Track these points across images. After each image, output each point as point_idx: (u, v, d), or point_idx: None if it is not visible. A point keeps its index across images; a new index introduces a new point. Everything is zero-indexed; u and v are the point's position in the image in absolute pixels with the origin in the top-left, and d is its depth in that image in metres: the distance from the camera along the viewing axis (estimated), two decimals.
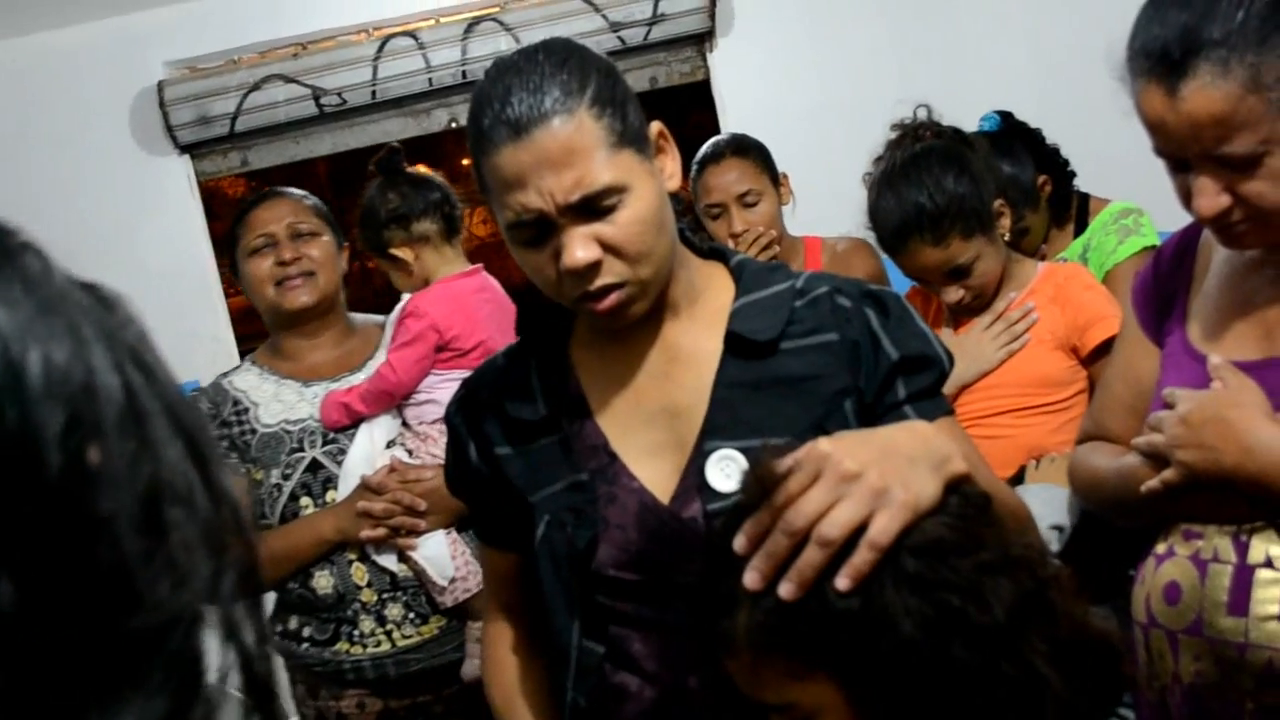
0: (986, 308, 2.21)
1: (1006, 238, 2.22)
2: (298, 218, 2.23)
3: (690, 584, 0.99)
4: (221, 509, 0.50)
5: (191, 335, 2.30)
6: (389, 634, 2.13)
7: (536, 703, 1.38)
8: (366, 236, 2.33)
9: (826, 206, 2.59)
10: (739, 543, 0.91)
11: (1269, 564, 1.25)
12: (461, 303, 2.25)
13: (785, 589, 0.87)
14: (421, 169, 2.38)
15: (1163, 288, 1.50)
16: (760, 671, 0.91)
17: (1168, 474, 1.29)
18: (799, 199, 2.84)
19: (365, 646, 2.12)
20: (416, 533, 2.12)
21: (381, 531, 2.09)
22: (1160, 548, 1.38)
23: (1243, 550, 1.27)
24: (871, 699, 0.87)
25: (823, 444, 0.91)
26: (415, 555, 2.13)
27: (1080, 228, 2.56)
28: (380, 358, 2.26)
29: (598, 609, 1.25)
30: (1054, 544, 1.84)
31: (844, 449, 0.91)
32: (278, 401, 2.19)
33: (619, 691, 1.24)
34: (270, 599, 2.31)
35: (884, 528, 0.87)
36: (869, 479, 0.88)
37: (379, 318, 2.40)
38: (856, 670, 0.86)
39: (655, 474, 1.23)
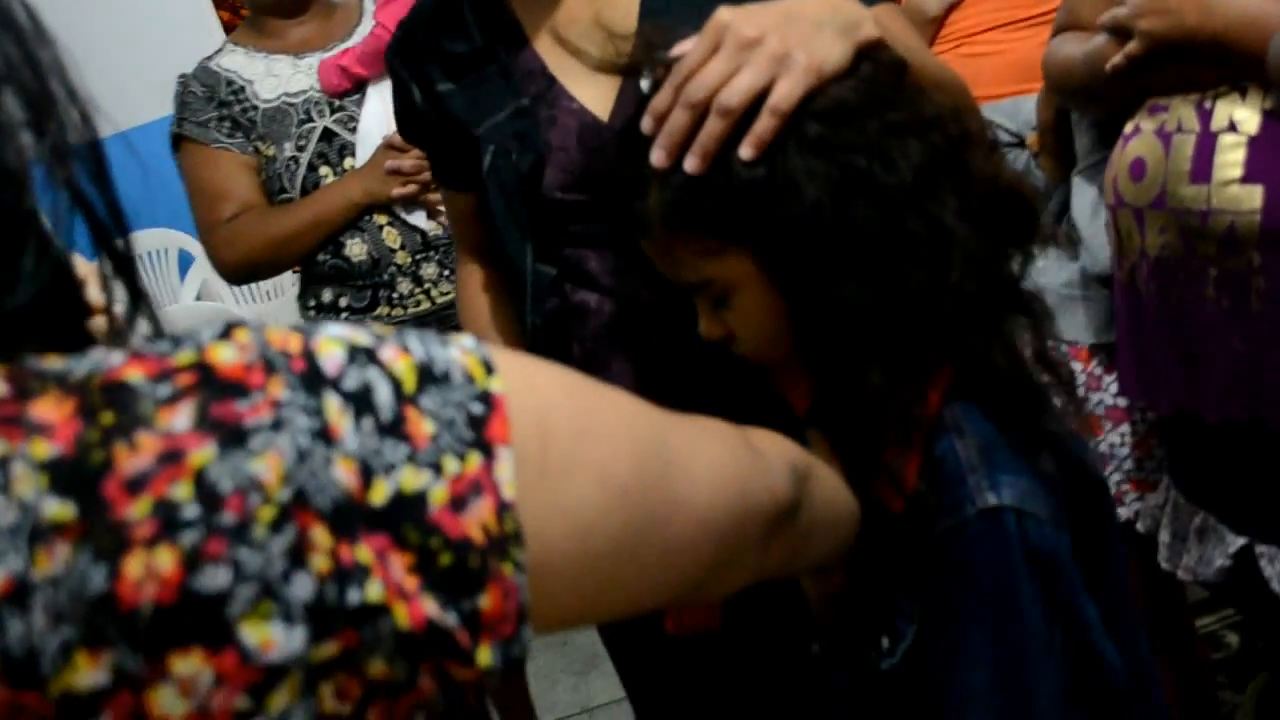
0: None
1: None
2: None
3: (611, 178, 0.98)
4: (48, 83, 0.50)
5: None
6: (427, 292, 2.16)
7: (507, 335, 1.41)
8: None
9: None
10: (645, 123, 0.90)
11: (1232, 128, 1.22)
12: None
13: (690, 163, 0.87)
14: None
15: None
16: (675, 250, 0.92)
17: (1131, 46, 1.25)
18: None
19: (406, 308, 2.15)
20: None
21: (413, 188, 2.08)
22: (1128, 128, 1.35)
23: (1206, 117, 1.24)
24: (784, 267, 0.87)
25: (722, 14, 0.88)
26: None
27: None
28: (368, 24, 2.21)
29: (550, 233, 1.26)
30: None
31: (744, 17, 0.87)
32: (271, 76, 2.15)
33: (580, 309, 1.27)
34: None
35: (785, 93, 0.84)
36: (769, 45, 0.85)
37: None
38: (766, 239, 0.86)
39: (594, 93, 1.20)
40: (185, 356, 0.44)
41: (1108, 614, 0.91)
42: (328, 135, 2.14)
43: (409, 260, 2.15)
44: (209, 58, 2.20)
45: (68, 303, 0.49)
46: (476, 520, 0.46)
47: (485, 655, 0.46)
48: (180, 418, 0.42)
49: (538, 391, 0.53)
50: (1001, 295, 0.87)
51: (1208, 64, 1.22)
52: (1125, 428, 1.62)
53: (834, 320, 0.86)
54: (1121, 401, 1.62)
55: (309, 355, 0.46)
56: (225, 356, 0.44)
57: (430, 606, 0.44)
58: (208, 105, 2.13)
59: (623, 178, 0.94)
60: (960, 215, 0.85)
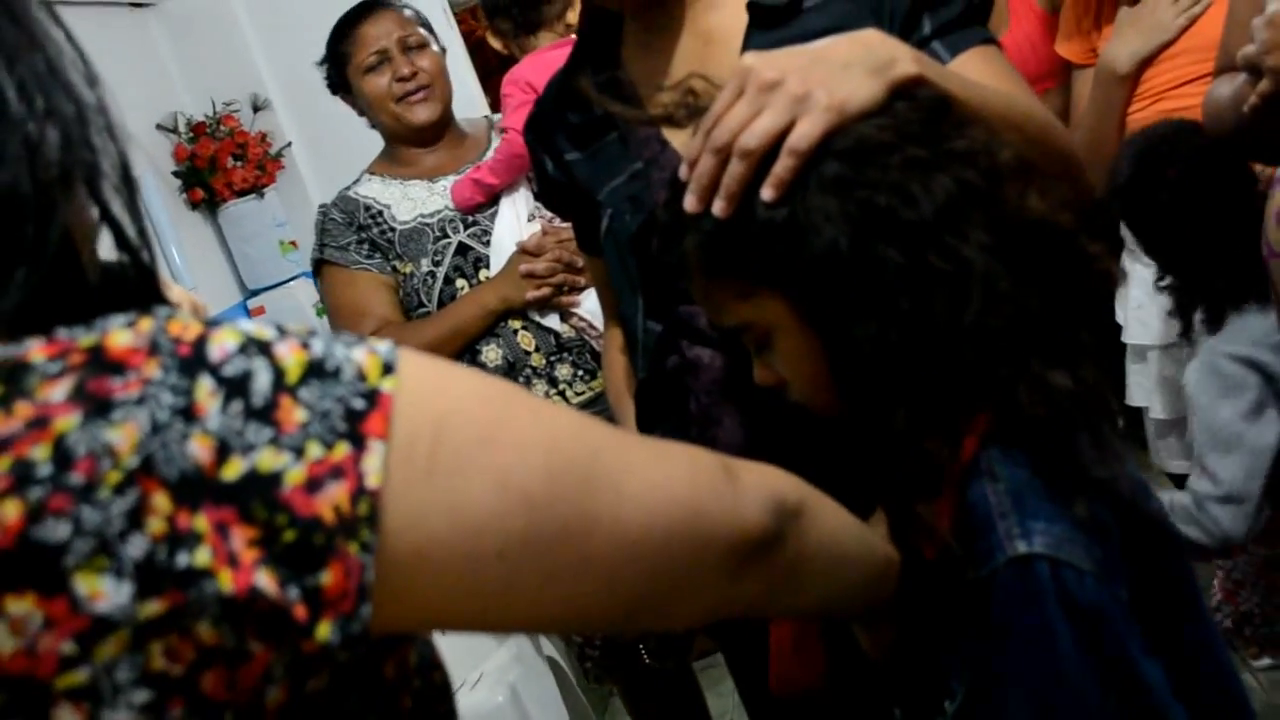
0: None
1: None
2: (405, 30, 2.26)
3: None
4: (84, 114, 0.57)
5: None
6: (562, 394, 2.19)
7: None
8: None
9: None
10: (681, 170, 0.92)
11: None
12: (550, 63, 2.25)
13: (716, 206, 0.88)
14: None
15: None
16: (714, 294, 0.93)
17: (1262, 85, 1.17)
18: None
19: None
20: (577, 290, 2.15)
21: (546, 291, 2.12)
22: (1278, 173, 1.26)
23: None
24: (813, 307, 0.87)
25: (746, 59, 0.90)
26: (579, 311, 2.16)
27: None
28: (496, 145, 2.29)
29: (662, 291, 1.29)
30: None
31: (767, 61, 0.89)
32: (408, 200, 2.25)
33: (694, 365, 1.29)
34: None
35: (803, 132, 0.85)
36: (789, 86, 0.86)
37: (479, 118, 2.46)
38: (792, 280, 0.86)
39: None
40: (87, 340, 0.49)
41: (1185, 676, 0.84)
42: (462, 250, 2.21)
43: (543, 362, 2.18)
44: (347, 188, 2.31)
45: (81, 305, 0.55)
46: (329, 501, 0.49)
47: (325, 630, 0.49)
48: (58, 390, 0.47)
49: (445, 396, 0.55)
50: (1033, 334, 0.83)
51: None
52: None
53: (860, 360, 0.85)
54: None
55: (199, 342, 0.50)
56: (119, 340, 0.49)
57: (264, 578, 0.48)
58: (347, 230, 2.23)
59: (665, 224, 0.96)
60: (988, 250, 0.82)
